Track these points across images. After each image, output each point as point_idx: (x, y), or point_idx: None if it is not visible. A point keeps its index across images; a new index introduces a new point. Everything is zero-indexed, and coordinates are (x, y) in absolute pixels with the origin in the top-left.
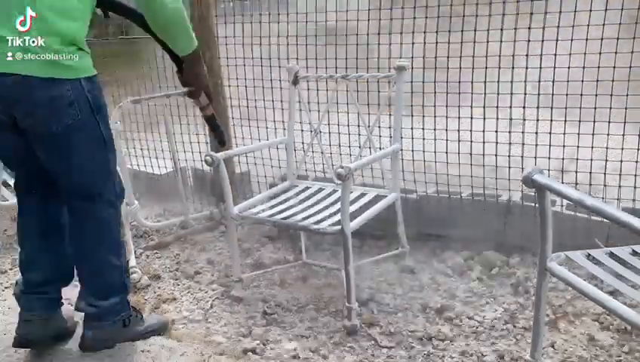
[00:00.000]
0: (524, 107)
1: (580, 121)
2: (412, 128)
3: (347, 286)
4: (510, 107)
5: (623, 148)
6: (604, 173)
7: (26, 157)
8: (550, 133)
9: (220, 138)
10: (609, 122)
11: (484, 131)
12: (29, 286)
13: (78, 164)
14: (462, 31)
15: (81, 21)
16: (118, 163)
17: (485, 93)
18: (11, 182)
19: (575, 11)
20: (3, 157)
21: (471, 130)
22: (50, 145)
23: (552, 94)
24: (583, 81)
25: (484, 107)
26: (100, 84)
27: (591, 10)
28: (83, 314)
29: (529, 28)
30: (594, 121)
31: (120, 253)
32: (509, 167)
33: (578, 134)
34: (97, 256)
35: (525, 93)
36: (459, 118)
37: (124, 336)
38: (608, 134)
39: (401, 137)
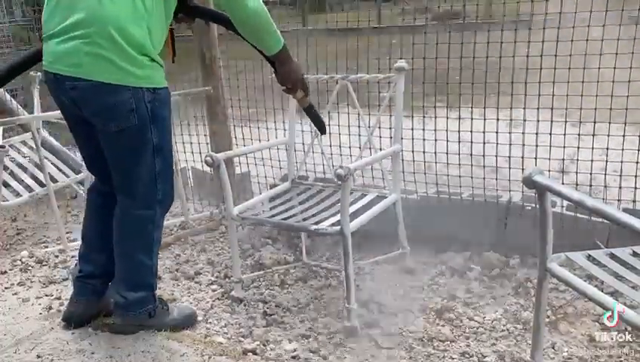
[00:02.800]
0: (524, 108)
1: (580, 122)
2: (412, 129)
3: (347, 288)
4: (510, 108)
5: (623, 149)
6: (605, 174)
7: (96, 153)
8: (550, 133)
9: (320, 127)
10: (609, 123)
11: (484, 132)
12: (82, 276)
13: (126, 163)
14: (462, 32)
15: (147, 29)
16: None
17: (486, 94)
18: (11, 182)
19: (575, 12)
20: (82, 151)
21: (471, 131)
22: (107, 141)
23: (552, 95)
24: (583, 81)
25: (484, 107)
26: (165, 97)
27: (591, 11)
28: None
29: (529, 29)
30: (594, 122)
31: (152, 254)
32: (510, 168)
33: (578, 135)
34: (130, 252)
35: (525, 94)
36: (459, 118)
37: (149, 324)
38: (609, 135)
39: (402, 138)
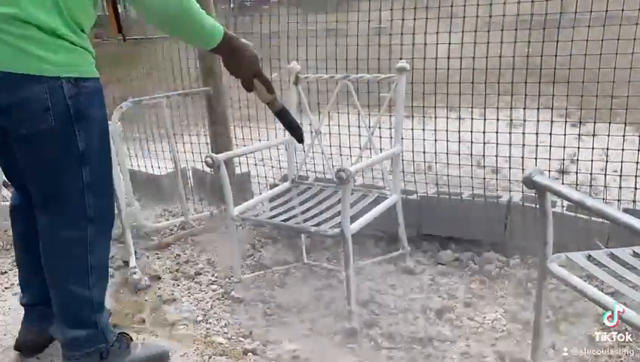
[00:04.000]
0: (524, 108)
1: (580, 122)
2: (412, 129)
3: (347, 289)
4: (511, 108)
5: (623, 149)
6: (605, 174)
7: (12, 162)
8: (550, 133)
9: (297, 136)
10: (609, 123)
11: (484, 132)
12: (25, 304)
13: (44, 174)
14: (462, 31)
15: (61, 6)
16: (118, 173)
17: (486, 94)
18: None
19: (575, 12)
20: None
21: (471, 131)
22: (19, 148)
23: (553, 95)
24: (583, 82)
25: (484, 108)
26: (96, 91)
27: (591, 12)
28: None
29: (529, 29)
30: (594, 122)
31: (87, 283)
32: (510, 168)
33: (579, 135)
34: (60, 282)
35: (526, 95)
36: (459, 118)
37: None
38: (609, 135)
39: (402, 138)
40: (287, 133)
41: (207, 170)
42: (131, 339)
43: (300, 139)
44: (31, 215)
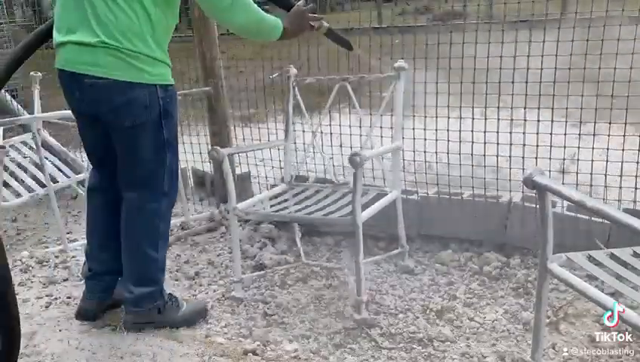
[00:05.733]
0: (525, 108)
1: (580, 122)
2: (413, 128)
3: (357, 279)
4: (511, 108)
5: (623, 150)
6: (605, 174)
7: (103, 151)
8: (551, 133)
9: (347, 46)
10: (610, 123)
11: (485, 132)
12: (91, 275)
13: (138, 158)
14: (463, 32)
15: (151, 32)
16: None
17: (486, 94)
18: (12, 182)
19: (576, 12)
20: (88, 149)
21: (472, 131)
22: (121, 137)
23: (553, 95)
24: (584, 82)
25: (485, 107)
26: (174, 94)
27: (591, 12)
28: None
29: (529, 29)
30: (595, 122)
31: (159, 248)
32: (510, 168)
33: (579, 135)
34: (137, 246)
35: (526, 94)
36: (460, 118)
37: (159, 321)
38: (609, 135)
39: (403, 137)
40: (286, 133)
41: (208, 170)
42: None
43: (350, 47)
44: (107, 193)
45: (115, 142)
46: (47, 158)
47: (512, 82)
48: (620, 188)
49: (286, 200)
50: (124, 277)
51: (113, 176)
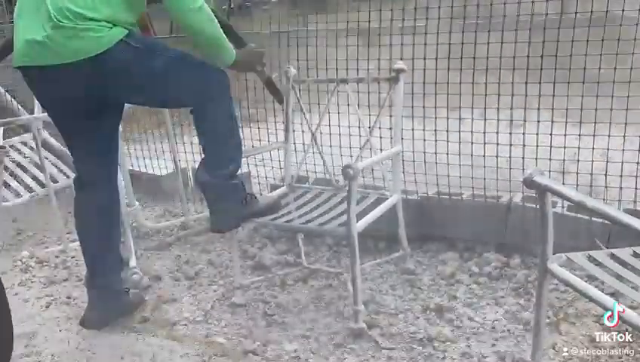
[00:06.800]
0: (524, 108)
1: (580, 122)
2: (413, 129)
3: (354, 289)
4: (511, 108)
5: (624, 150)
6: (605, 175)
7: (95, 143)
8: (551, 134)
9: (279, 98)
10: (610, 123)
11: (484, 132)
12: (92, 284)
13: (173, 84)
14: (462, 32)
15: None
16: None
17: (486, 94)
18: (12, 183)
19: (576, 12)
20: (78, 143)
21: (472, 131)
22: (149, 84)
23: (553, 95)
24: (584, 82)
25: (484, 108)
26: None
27: (592, 12)
28: (205, 199)
29: (529, 29)
30: (595, 122)
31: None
32: (510, 169)
33: (579, 135)
34: (223, 134)
35: (526, 95)
36: (459, 119)
37: (244, 215)
38: (609, 135)
39: (402, 138)
40: (286, 134)
41: None
42: None
43: (280, 100)
44: (91, 194)
45: (151, 105)
46: (47, 158)
47: (512, 83)
48: (620, 188)
49: (287, 204)
50: (208, 167)
51: (99, 168)
